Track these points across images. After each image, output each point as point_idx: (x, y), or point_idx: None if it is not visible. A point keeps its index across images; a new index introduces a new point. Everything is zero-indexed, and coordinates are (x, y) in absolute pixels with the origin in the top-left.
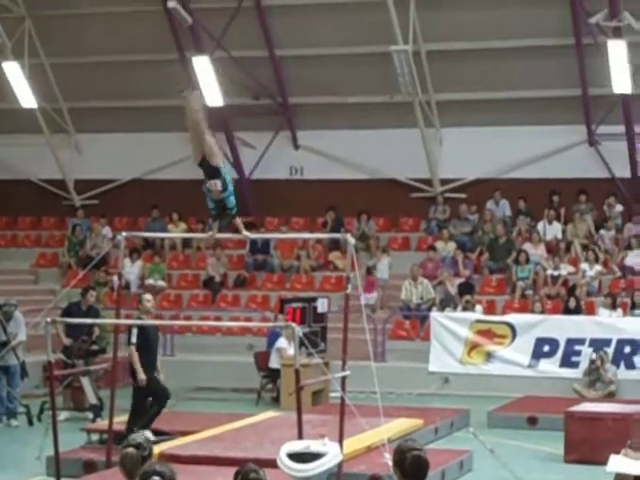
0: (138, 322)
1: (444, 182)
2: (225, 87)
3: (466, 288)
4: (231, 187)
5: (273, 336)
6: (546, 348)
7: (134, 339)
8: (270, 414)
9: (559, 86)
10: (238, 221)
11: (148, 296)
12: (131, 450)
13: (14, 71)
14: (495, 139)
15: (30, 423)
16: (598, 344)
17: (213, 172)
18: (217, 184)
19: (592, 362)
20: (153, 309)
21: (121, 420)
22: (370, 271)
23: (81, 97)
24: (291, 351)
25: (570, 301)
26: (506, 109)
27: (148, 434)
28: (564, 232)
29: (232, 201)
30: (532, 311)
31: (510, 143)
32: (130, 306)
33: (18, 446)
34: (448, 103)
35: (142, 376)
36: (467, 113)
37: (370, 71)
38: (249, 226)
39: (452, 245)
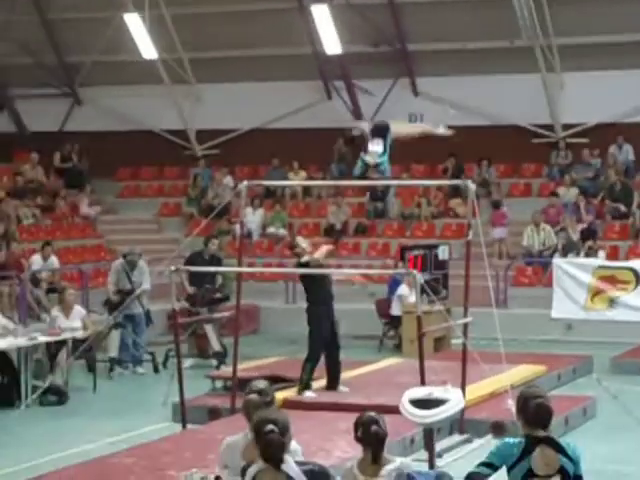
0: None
1: (566, 127)
2: (344, 35)
3: (589, 234)
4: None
5: (394, 283)
6: None
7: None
8: (392, 361)
9: None
10: None
11: (300, 238)
12: (254, 396)
13: (135, 23)
14: (617, 82)
15: (156, 370)
16: None
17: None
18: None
19: None
20: (310, 247)
21: (244, 367)
22: (497, 206)
23: (201, 47)
24: (412, 298)
25: None
26: (628, 52)
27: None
28: None
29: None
30: None
31: (633, 86)
32: (252, 254)
33: (144, 393)
34: (569, 47)
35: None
36: (589, 57)
37: (490, 16)
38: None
39: (574, 191)
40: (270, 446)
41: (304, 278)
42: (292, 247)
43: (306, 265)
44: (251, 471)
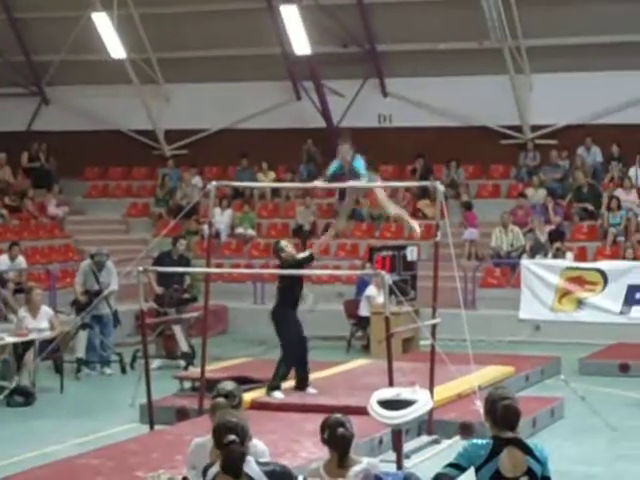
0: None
1: (534, 128)
2: (313, 35)
3: (557, 235)
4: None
5: (362, 284)
6: (638, 295)
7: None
8: (360, 362)
9: None
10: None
11: (284, 241)
12: (221, 399)
13: (103, 22)
14: (586, 84)
15: (123, 371)
16: None
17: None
18: None
19: None
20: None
21: (212, 368)
22: (469, 207)
23: (170, 47)
24: (381, 299)
25: None
26: (597, 53)
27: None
28: None
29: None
30: (624, 257)
31: (601, 88)
32: (220, 254)
33: (112, 394)
34: (538, 48)
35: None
36: (557, 58)
37: (459, 17)
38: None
39: (542, 192)
40: (230, 457)
41: (285, 279)
42: (277, 252)
43: (310, 259)
44: (212, 471)
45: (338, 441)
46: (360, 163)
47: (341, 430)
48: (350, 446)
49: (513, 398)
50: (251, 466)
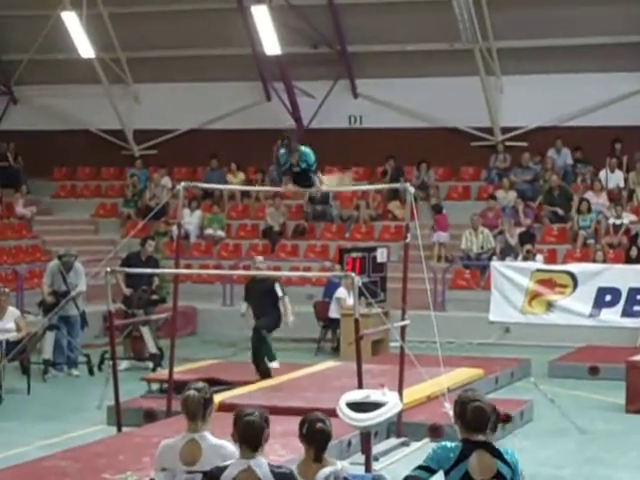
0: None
1: (505, 130)
2: (283, 36)
3: (527, 237)
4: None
5: (332, 286)
6: (608, 297)
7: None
8: (330, 364)
9: (622, 32)
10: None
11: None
12: (193, 392)
13: (72, 21)
14: (557, 86)
15: (91, 373)
16: None
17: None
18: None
19: None
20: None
21: (181, 369)
22: (439, 210)
23: (139, 47)
24: (350, 301)
25: (632, 250)
26: (568, 56)
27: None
28: (626, 180)
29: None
30: (594, 260)
31: (572, 90)
32: (190, 255)
33: (79, 396)
34: (509, 50)
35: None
36: (528, 60)
37: (430, 18)
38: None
39: (513, 194)
40: (249, 428)
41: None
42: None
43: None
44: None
45: (317, 435)
46: (308, 154)
47: (320, 425)
48: (328, 443)
49: (483, 401)
50: (262, 465)
